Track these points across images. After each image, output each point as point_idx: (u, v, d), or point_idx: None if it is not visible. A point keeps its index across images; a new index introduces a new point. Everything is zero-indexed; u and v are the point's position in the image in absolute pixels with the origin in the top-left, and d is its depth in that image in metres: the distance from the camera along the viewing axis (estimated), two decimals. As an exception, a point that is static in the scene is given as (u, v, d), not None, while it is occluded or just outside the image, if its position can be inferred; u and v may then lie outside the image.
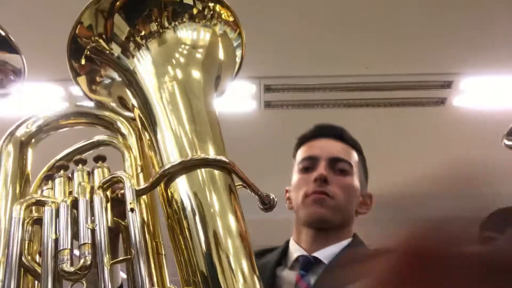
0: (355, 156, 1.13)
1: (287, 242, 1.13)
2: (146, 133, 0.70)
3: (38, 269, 0.59)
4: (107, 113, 0.77)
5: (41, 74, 2.95)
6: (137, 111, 0.73)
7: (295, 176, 1.13)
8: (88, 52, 0.75)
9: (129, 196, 0.60)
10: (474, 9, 2.61)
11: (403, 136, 3.63)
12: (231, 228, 0.59)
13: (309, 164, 1.08)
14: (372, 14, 2.65)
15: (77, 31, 0.74)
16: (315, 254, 1.04)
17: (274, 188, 0.73)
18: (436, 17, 2.65)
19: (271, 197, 0.63)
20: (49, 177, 0.70)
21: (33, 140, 0.76)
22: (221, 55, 0.77)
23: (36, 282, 0.61)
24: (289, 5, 2.59)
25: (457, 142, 3.62)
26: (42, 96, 3.16)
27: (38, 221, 0.63)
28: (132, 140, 0.73)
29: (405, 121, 3.47)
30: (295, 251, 1.08)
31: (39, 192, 0.71)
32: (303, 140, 1.18)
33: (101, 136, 0.76)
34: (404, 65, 3.00)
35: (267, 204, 0.63)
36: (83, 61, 0.76)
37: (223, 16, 0.76)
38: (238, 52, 0.80)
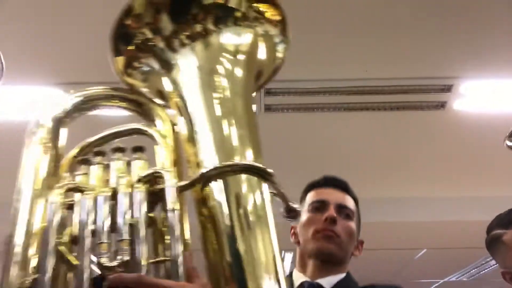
0: (354, 206, 1.35)
1: (290, 274, 1.32)
2: (185, 125, 0.70)
3: (69, 257, 0.57)
4: (146, 101, 0.76)
5: (42, 78, 2.96)
6: (176, 104, 0.72)
7: (305, 215, 1.31)
8: (133, 39, 0.74)
9: (170, 196, 0.58)
10: (474, 13, 2.62)
11: (403, 139, 3.63)
12: (265, 236, 0.60)
13: (320, 206, 1.28)
14: (372, 18, 2.66)
15: (125, 16, 0.74)
16: (319, 281, 1.22)
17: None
18: (436, 21, 2.66)
19: (297, 208, 0.67)
20: (84, 162, 0.68)
21: (68, 118, 0.73)
22: (263, 56, 0.78)
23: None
24: (288, 10, 2.60)
25: (458, 146, 3.62)
26: (43, 99, 3.16)
27: (71, 207, 0.61)
28: (167, 131, 0.71)
29: (405, 124, 3.47)
30: (299, 278, 1.26)
31: (65, 174, 0.68)
32: (312, 186, 1.37)
33: (137, 124, 0.73)
34: (404, 68, 3.01)
35: (293, 214, 0.66)
36: (126, 45, 0.76)
37: (268, 15, 0.77)
38: (281, 48, 0.81)
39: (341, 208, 1.28)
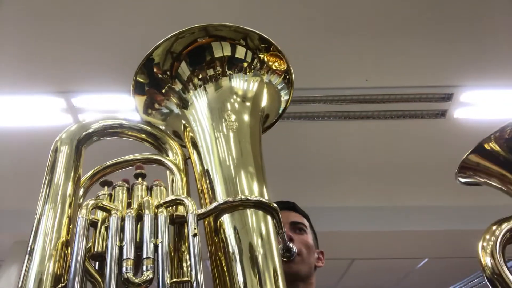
0: (306, 221, 1.42)
1: None
2: (198, 161, 0.77)
3: (93, 272, 0.61)
4: (162, 135, 0.83)
5: (42, 86, 2.98)
6: (190, 140, 0.80)
7: None
8: (154, 82, 0.83)
9: (192, 222, 0.64)
10: (474, 23, 2.65)
11: (404, 148, 3.63)
12: (270, 267, 0.66)
13: None
14: (372, 27, 2.69)
15: (147, 62, 0.82)
16: None
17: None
18: (436, 30, 2.69)
19: (293, 250, 0.73)
20: (106, 183, 0.74)
21: (87, 141, 0.79)
22: (269, 100, 0.87)
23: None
24: (289, 18, 2.62)
25: (458, 154, 3.62)
26: (44, 108, 3.18)
27: (94, 224, 0.67)
28: (180, 163, 0.78)
29: (406, 133, 3.48)
30: None
31: (81, 192, 0.74)
32: None
33: (155, 154, 0.80)
34: (404, 77, 3.04)
35: (288, 254, 0.72)
36: (147, 88, 0.84)
37: (273, 65, 0.86)
38: (285, 93, 0.91)
39: (294, 224, 1.36)
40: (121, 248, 0.61)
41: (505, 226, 0.88)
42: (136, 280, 0.57)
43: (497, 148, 0.94)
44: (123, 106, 3.09)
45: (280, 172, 3.57)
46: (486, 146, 0.95)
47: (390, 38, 2.75)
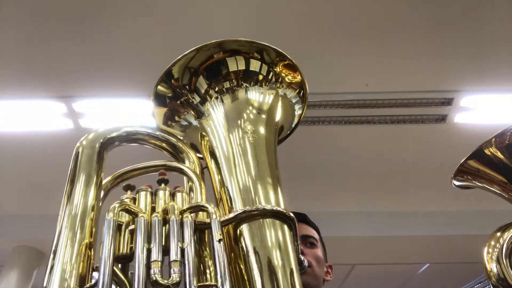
0: (316, 234, 1.44)
1: None
2: (216, 172, 0.80)
3: (120, 273, 0.63)
4: (181, 145, 0.85)
5: (43, 91, 2.99)
6: (208, 150, 0.83)
7: None
8: (174, 97, 0.86)
9: (216, 227, 0.66)
10: (474, 28, 2.66)
11: (404, 153, 3.63)
12: (288, 276, 0.67)
13: None
14: (373, 32, 2.70)
15: (166, 76, 0.85)
16: None
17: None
18: (437, 35, 2.70)
19: (304, 263, 0.74)
20: (129, 188, 0.76)
21: (110, 146, 0.81)
22: (284, 113, 0.90)
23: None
24: (289, 23, 2.63)
25: (459, 159, 3.61)
26: (44, 112, 3.18)
27: (119, 227, 0.68)
28: (197, 172, 0.81)
29: (406, 138, 3.48)
30: None
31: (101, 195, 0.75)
32: None
33: (175, 162, 0.83)
34: (404, 82, 3.04)
35: (300, 267, 0.73)
36: (167, 102, 0.87)
37: (288, 78, 0.88)
38: (298, 108, 0.92)
39: (305, 238, 1.36)
40: (148, 251, 0.62)
41: (509, 233, 0.88)
42: (164, 282, 0.58)
43: (498, 153, 0.93)
44: (124, 111, 3.10)
45: (280, 176, 3.56)
46: (485, 150, 0.95)
47: (390, 42, 2.76)
